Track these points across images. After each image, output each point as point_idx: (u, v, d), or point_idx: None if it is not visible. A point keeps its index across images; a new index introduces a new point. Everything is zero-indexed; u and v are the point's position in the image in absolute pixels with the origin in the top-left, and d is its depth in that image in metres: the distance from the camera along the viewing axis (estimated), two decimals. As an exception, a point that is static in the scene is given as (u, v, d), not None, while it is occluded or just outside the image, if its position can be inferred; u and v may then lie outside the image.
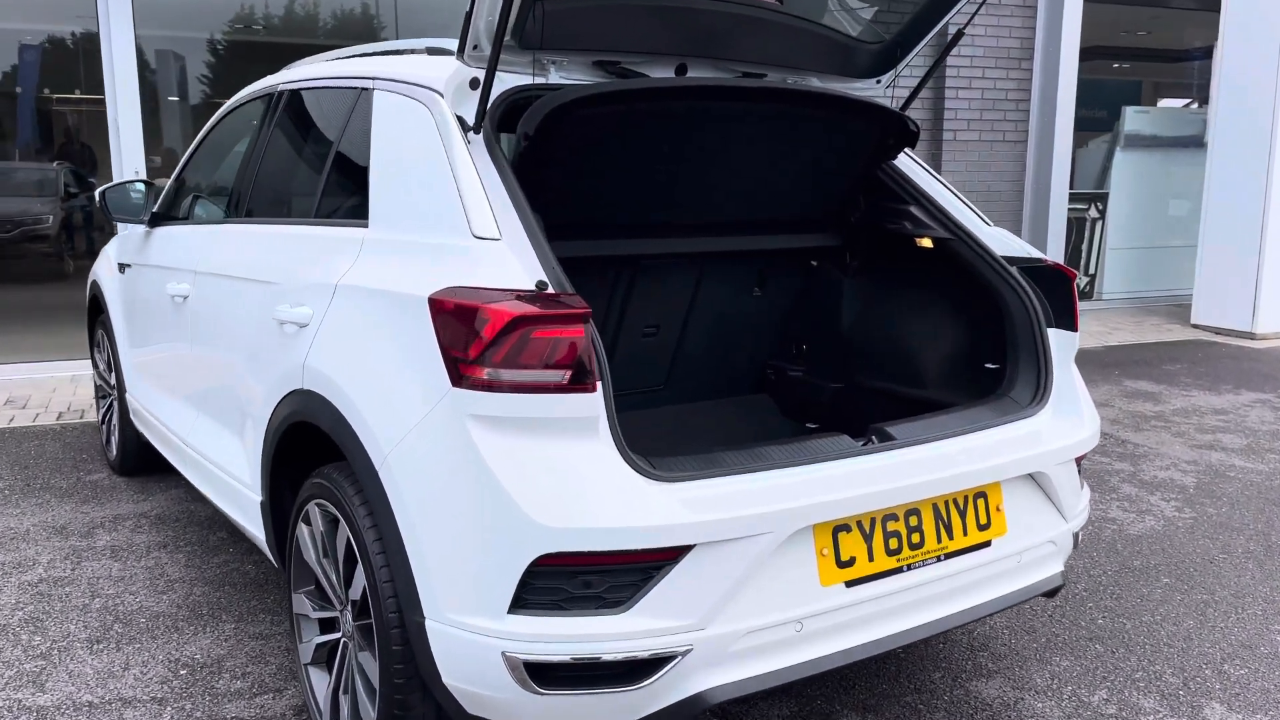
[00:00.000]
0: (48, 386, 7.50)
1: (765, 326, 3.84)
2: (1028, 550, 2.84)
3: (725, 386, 3.87)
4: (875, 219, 3.54)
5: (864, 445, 2.67)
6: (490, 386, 2.20)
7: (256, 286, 3.24)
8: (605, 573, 2.20)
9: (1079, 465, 3.05)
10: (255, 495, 3.23)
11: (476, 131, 2.63)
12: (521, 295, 2.26)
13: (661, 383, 3.70)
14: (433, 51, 3.10)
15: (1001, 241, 3.32)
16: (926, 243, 3.44)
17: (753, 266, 3.65)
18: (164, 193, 4.66)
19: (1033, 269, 3.22)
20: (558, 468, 2.20)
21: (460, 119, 2.65)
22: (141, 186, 4.58)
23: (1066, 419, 3.04)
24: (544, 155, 2.78)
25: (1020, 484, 2.84)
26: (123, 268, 4.89)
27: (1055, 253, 10.11)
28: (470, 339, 2.23)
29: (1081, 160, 11.11)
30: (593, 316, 2.34)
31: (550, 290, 2.31)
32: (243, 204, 3.74)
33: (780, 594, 2.36)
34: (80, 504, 5.08)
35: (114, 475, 5.51)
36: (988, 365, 3.29)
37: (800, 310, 3.87)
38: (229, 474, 3.46)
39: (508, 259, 2.34)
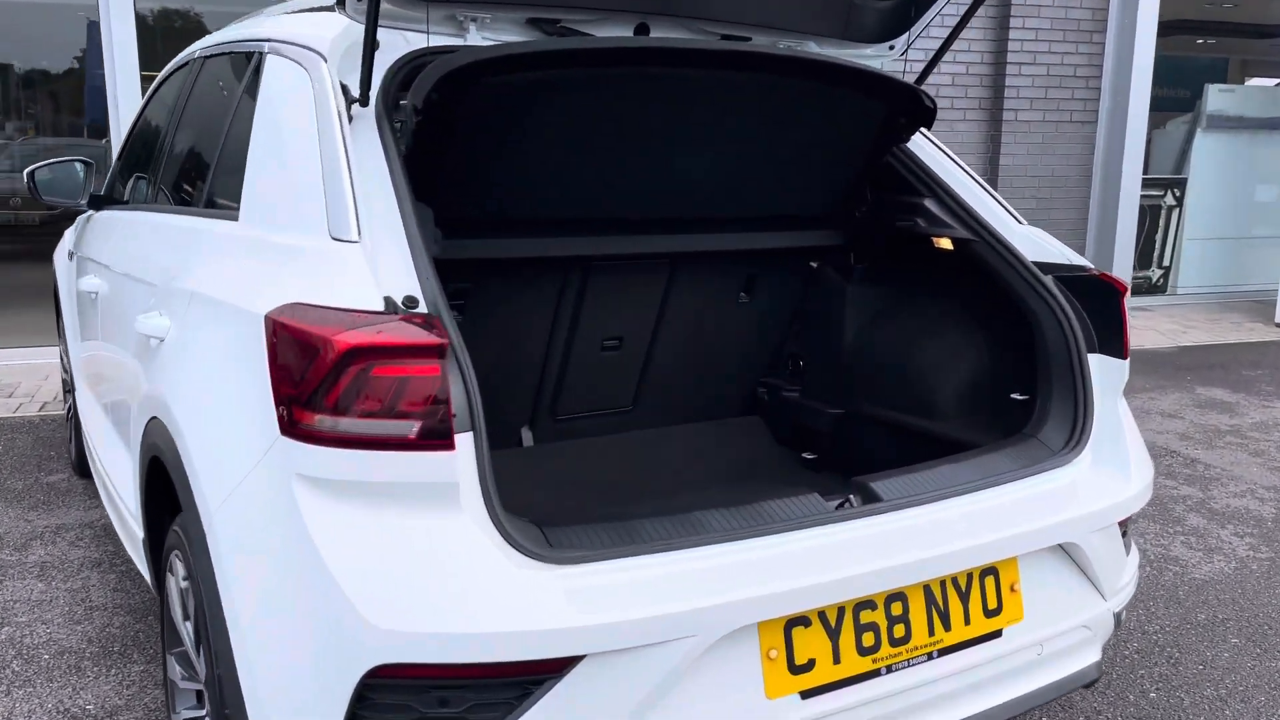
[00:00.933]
0: (42, 373, 7.18)
1: (755, 339, 3.27)
2: (1053, 639, 2.25)
3: (708, 408, 3.30)
4: (883, 214, 2.94)
5: (839, 508, 2.10)
6: (321, 438, 1.68)
7: (140, 288, 2.76)
8: (468, 689, 1.67)
9: (1124, 526, 2.44)
10: (138, 529, 2.76)
11: (363, 104, 2.10)
12: (372, 317, 1.72)
13: (629, 404, 3.15)
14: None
15: (1035, 244, 2.70)
16: (945, 244, 2.84)
17: (737, 269, 3.07)
18: (110, 172, 4.23)
19: (1073, 279, 2.61)
20: (403, 550, 1.67)
21: (346, 88, 2.12)
22: (80, 166, 4.13)
23: (1109, 470, 2.43)
24: (449, 135, 2.24)
25: (1044, 555, 2.24)
26: (71, 255, 4.47)
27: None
28: (302, 374, 1.71)
29: (1158, 143, 10.24)
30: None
31: (418, 311, 1.77)
32: (151, 188, 3.27)
33: (710, 711, 1.80)
34: (28, 509, 4.69)
35: (74, 477, 5.12)
36: (1014, 396, 2.68)
37: (796, 321, 3.29)
38: (121, 499, 3.00)
39: (361, 268, 1.81)
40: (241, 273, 2.12)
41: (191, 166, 2.98)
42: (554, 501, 2.87)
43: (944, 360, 2.89)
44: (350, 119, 2.12)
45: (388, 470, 1.67)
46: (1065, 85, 9.01)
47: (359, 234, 1.89)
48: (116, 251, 3.26)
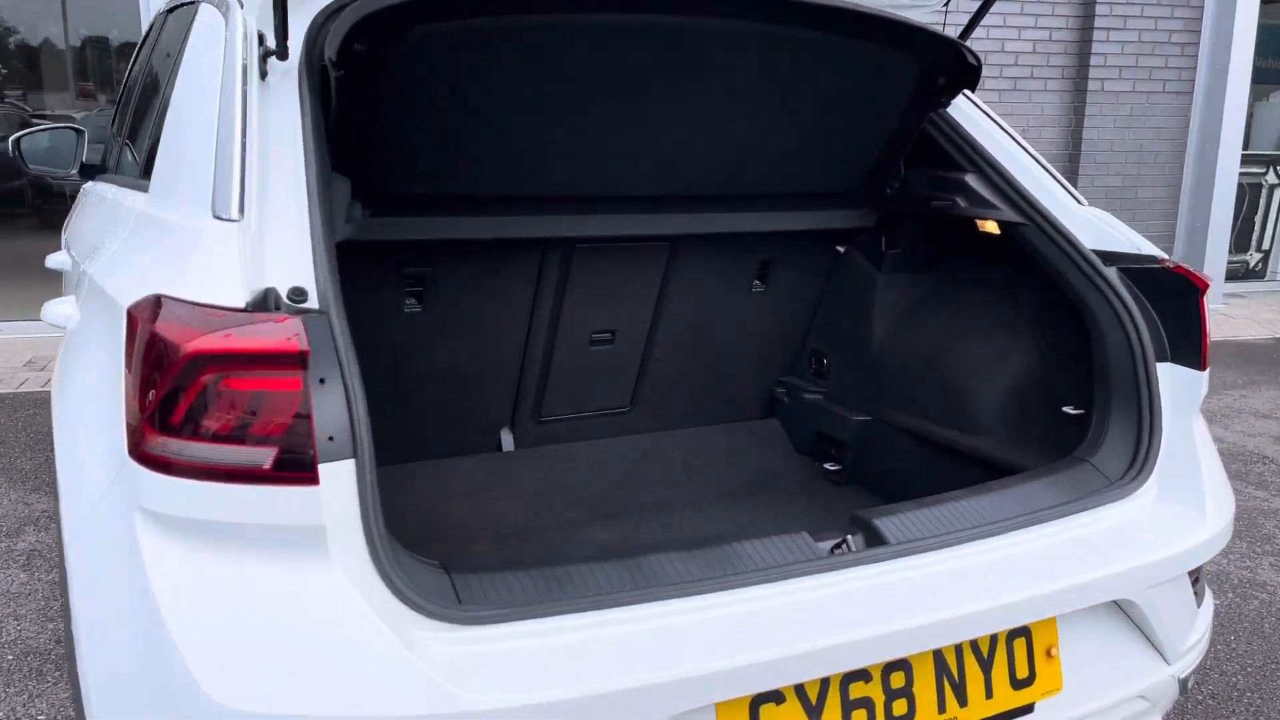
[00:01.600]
0: (77, 346, 7.08)
1: (772, 333, 2.87)
2: (1099, 714, 1.84)
3: (718, 410, 2.93)
4: (920, 192, 2.52)
5: (834, 550, 1.72)
6: (167, 465, 1.36)
7: (74, 270, 2.48)
8: (337, 782, 1.33)
9: (1196, 574, 2.01)
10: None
11: (280, 57, 1.77)
12: (229, 316, 1.39)
13: (625, 405, 2.79)
14: None
15: (1098, 229, 2.27)
16: (990, 227, 2.41)
17: (749, 254, 2.68)
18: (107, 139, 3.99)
19: (1143, 272, 2.17)
20: (260, 611, 1.34)
21: (264, 39, 1.80)
22: (72, 134, 3.88)
23: (1179, 505, 2.01)
24: (381, 94, 1.89)
25: (1092, 612, 1.83)
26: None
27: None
28: (151, 384, 1.38)
29: (1259, 116, 9.46)
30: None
31: (305, 306, 1.45)
32: (116, 155, 3.01)
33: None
34: (30, 491, 4.52)
35: (83, 458, 4.93)
36: (1067, 410, 2.26)
37: (820, 313, 2.88)
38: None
39: (231, 253, 1.48)
40: (128, 254, 1.81)
41: (140, 131, 2.70)
42: (528, 516, 2.54)
43: (986, 365, 2.47)
44: (264, 74, 1.80)
45: (238, 509, 1.34)
46: (1158, 52, 8.32)
47: (240, 211, 1.55)
48: (76, 227, 3.01)
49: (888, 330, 2.70)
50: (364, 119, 1.93)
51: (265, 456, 1.33)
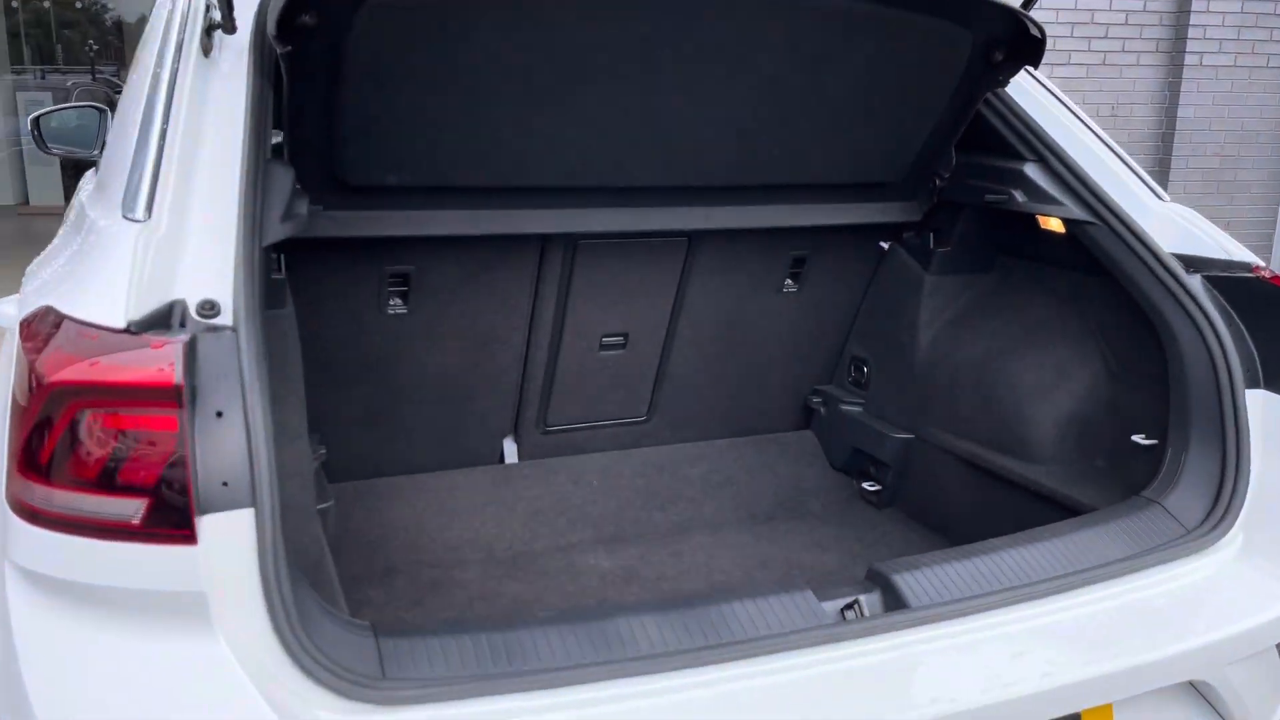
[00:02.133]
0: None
1: (807, 337, 2.59)
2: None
3: (746, 421, 2.66)
4: (972, 183, 2.22)
5: (843, 614, 1.47)
6: (36, 515, 1.15)
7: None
8: None
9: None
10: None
11: (227, 30, 1.56)
12: (106, 338, 1.18)
13: (642, 414, 2.53)
14: None
15: (1181, 229, 1.95)
16: (1053, 225, 2.10)
17: (779, 250, 2.40)
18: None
19: (1232, 281, 1.86)
20: (130, 689, 1.13)
21: (211, 10, 1.59)
22: (94, 111, 3.75)
23: (1268, 561, 1.71)
24: (339, 73, 1.66)
25: (1157, 696, 1.54)
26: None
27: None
28: (23, 416, 1.18)
29: (1374, 92, 8.77)
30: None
31: (216, 322, 1.24)
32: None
33: None
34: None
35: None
36: (1137, 440, 1.96)
37: (861, 315, 2.59)
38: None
39: (123, 261, 1.27)
40: (55, 255, 1.62)
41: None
42: (525, 537, 2.31)
43: (1045, 383, 2.16)
44: (208, 51, 1.59)
45: (108, 570, 1.13)
46: (1262, 24, 7.72)
47: (148, 211, 1.34)
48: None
49: (935, 338, 2.40)
50: (321, 102, 1.71)
51: (135, 509, 1.12)
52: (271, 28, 1.51)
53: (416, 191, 1.92)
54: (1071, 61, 7.26)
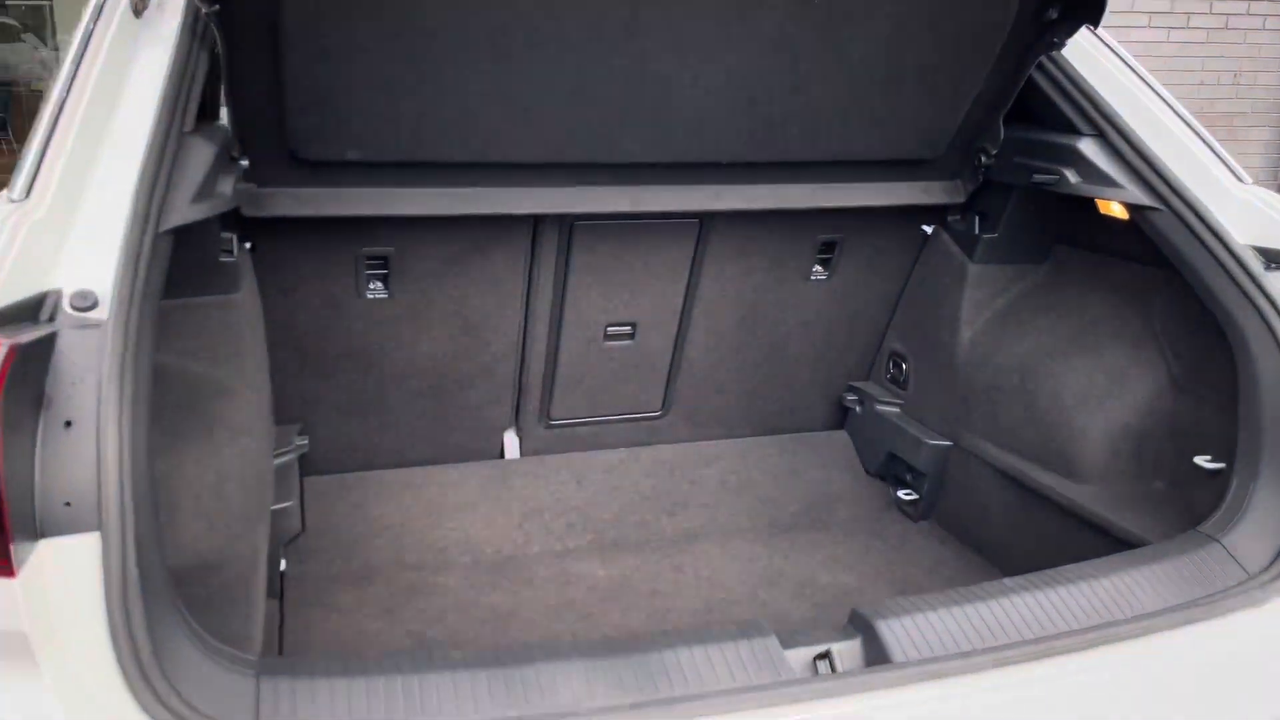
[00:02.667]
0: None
1: (841, 329, 2.35)
2: None
3: (774, 418, 2.43)
4: (1020, 161, 1.95)
5: (815, 666, 1.26)
6: None
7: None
8: None
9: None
10: None
11: None
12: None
13: (656, 409, 2.33)
14: None
15: (1263, 220, 1.66)
16: (1115, 210, 1.83)
17: (803, 234, 2.16)
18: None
19: None
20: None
21: None
22: None
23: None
24: (285, 36, 1.50)
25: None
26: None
27: None
28: None
29: None
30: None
31: (92, 315, 1.10)
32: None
33: None
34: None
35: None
36: (1200, 462, 1.69)
37: (902, 306, 2.34)
38: None
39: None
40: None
41: None
42: (517, 539, 2.14)
43: (1097, 391, 1.89)
44: (139, 10, 1.44)
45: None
46: None
47: (27, 191, 1.21)
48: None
49: (977, 334, 2.13)
50: (264, 69, 1.54)
51: (-56, 534, 0.97)
52: None
53: (383, 168, 1.75)
54: (1190, 25, 6.72)
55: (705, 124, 1.82)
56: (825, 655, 1.28)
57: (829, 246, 2.20)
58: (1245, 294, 1.57)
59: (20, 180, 1.23)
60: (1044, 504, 1.92)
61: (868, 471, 2.41)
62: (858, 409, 2.43)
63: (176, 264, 1.66)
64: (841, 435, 2.48)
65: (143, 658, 1.04)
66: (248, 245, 1.84)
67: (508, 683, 1.17)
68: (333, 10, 1.49)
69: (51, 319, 1.12)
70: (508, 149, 1.77)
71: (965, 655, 1.27)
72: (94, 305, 1.14)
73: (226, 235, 1.70)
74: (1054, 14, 1.77)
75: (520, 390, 2.21)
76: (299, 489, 2.11)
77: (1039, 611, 1.36)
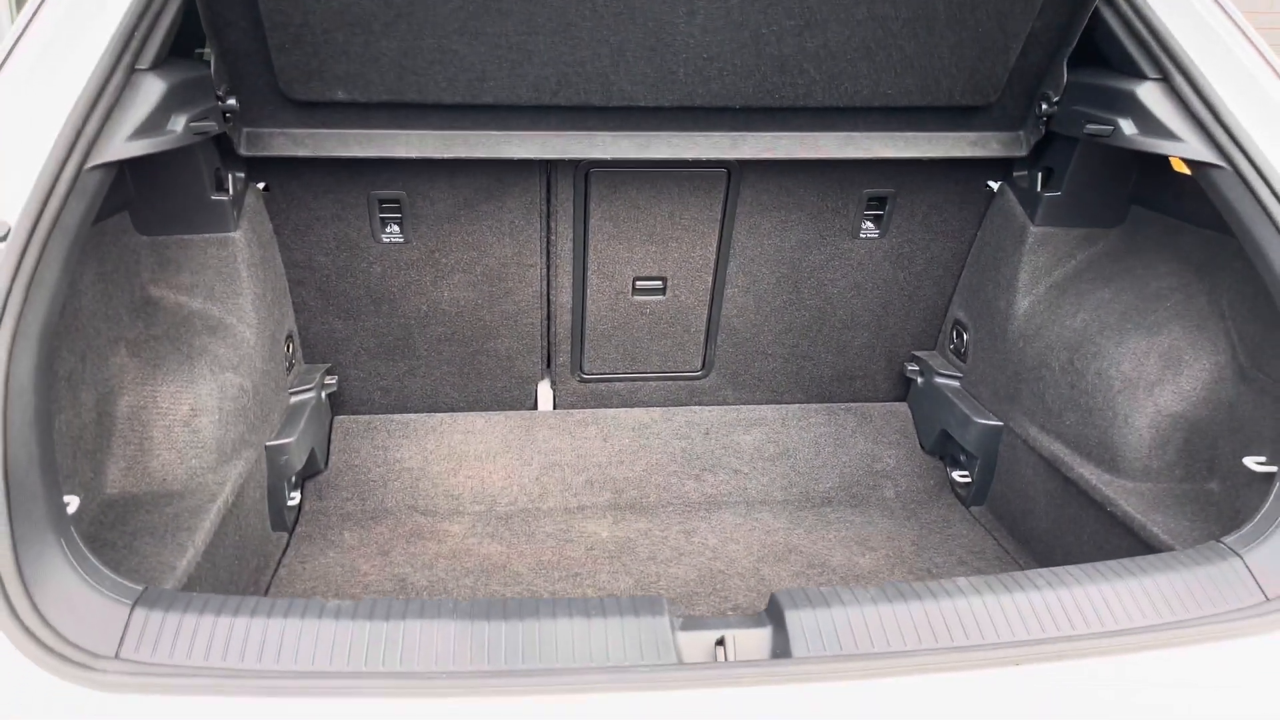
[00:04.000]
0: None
1: (899, 294, 2.17)
2: None
3: (829, 386, 2.28)
4: (1079, 109, 1.72)
5: (713, 654, 1.18)
6: None
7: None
8: None
9: None
10: None
11: None
12: None
13: (697, 368, 2.23)
14: None
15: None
16: (1179, 165, 1.58)
17: (847, 187, 2.00)
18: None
19: None
20: None
21: None
22: None
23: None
24: None
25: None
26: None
27: None
28: None
29: None
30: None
31: None
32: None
33: None
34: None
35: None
36: (1250, 463, 1.46)
37: (966, 270, 2.13)
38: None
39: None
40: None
41: None
42: (533, 494, 2.09)
43: (1146, 374, 1.66)
44: None
45: None
46: None
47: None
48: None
49: (1034, 305, 1.91)
50: (245, 7, 1.54)
51: None
52: None
53: (376, 109, 1.72)
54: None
55: (709, 65, 1.70)
56: (719, 643, 1.18)
57: (879, 202, 2.03)
58: None
59: (-43, 110, 1.28)
60: (1083, 499, 1.71)
61: (923, 449, 2.23)
62: (919, 380, 2.24)
63: (161, 199, 1.71)
64: (902, 408, 2.30)
65: (6, 582, 1.07)
66: (261, 185, 1.87)
67: (371, 637, 1.14)
68: None
69: None
70: (497, 91, 1.71)
71: (873, 657, 1.14)
72: (6, 236, 1.17)
73: (223, 174, 1.73)
74: None
75: (550, 342, 2.16)
76: (327, 427, 2.15)
77: (985, 617, 1.20)
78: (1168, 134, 1.53)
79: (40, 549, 1.12)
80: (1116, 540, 1.62)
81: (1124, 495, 1.62)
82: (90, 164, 1.29)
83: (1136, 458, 1.64)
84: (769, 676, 1.12)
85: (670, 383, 2.25)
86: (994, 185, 2.01)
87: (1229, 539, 1.33)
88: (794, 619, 1.18)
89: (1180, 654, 1.19)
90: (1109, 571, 1.28)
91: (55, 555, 1.14)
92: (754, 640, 1.19)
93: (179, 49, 1.52)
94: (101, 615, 1.13)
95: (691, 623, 1.20)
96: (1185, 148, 1.51)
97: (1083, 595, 1.23)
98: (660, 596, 1.21)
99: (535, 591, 1.78)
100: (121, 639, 1.12)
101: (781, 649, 1.17)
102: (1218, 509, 1.54)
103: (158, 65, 1.43)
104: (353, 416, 2.19)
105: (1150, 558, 1.34)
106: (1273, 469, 1.42)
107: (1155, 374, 1.64)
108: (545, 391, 2.25)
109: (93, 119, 1.30)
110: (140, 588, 1.19)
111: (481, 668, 1.12)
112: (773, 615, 1.21)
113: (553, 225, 1.98)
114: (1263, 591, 1.25)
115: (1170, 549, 1.46)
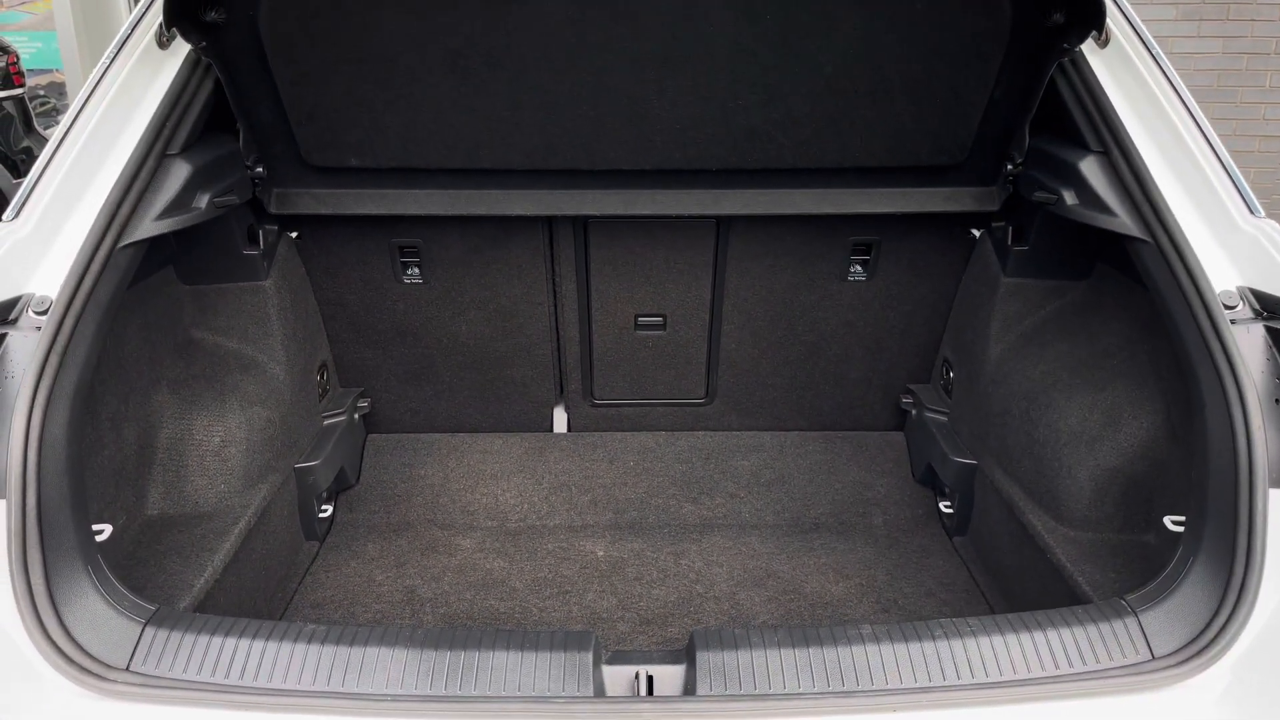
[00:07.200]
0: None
1: (890, 332, 2.28)
2: None
3: (829, 415, 2.40)
4: (1033, 174, 1.82)
5: (642, 684, 1.35)
6: None
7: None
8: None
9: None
10: None
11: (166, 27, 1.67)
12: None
13: (701, 396, 2.38)
14: None
15: (1265, 260, 1.48)
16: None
17: (833, 236, 2.12)
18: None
19: None
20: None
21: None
22: None
23: (1264, 715, 1.30)
24: (271, 59, 1.69)
25: None
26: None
27: None
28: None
29: None
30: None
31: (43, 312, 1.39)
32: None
33: None
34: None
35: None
36: (1169, 522, 1.55)
37: (953, 312, 2.23)
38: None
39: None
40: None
41: None
42: (541, 512, 2.28)
43: (1089, 429, 1.74)
44: (165, 43, 1.67)
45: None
46: None
47: (18, 211, 1.49)
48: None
49: (1005, 352, 2.01)
50: (264, 91, 1.75)
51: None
52: (165, 23, 1.57)
53: (385, 172, 1.92)
54: None
55: (684, 134, 1.84)
56: (637, 677, 1.34)
57: (865, 247, 2.14)
58: (1204, 343, 1.40)
59: (14, 203, 1.51)
60: (1032, 544, 1.81)
61: (915, 478, 2.33)
62: (912, 412, 2.35)
63: (199, 254, 1.94)
64: (898, 437, 2.41)
65: (38, 601, 1.29)
66: (294, 234, 2.10)
67: (335, 661, 1.33)
68: (303, 40, 1.66)
69: (15, 322, 1.39)
70: (493, 157, 1.88)
71: (768, 698, 1.28)
72: (46, 310, 1.40)
73: (255, 229, 1.95)
74: (1059, 18, 1.62)
75: (561, 371, 2.34)
76: (360, 445, 2.37)
77: (879, 664, 1.33)
78: (1103, 208, 1.61)
79: (70, 573, 1.34)
80: (1056, 587, 1.71)
81: (1062, 544, 1.71)
82: (123, 243, 1.51)
83: (1078, 507, 1.73)
84: (672, 713, 1.27)
85: (677, 408, 2.41)
86: (976, 233, 2.10)
87: (1130, 597, 1.43)
88: (703, 659, 1.33)
89: (1055, 708, 1.30)
90: (1007, 624, 1.39)
91: (82, 579, 1.36)
92: (670, 677, 1.35)
93: (212, 125, 1.74)
94: (117, 632, 1.35)
95: (619, 657, 1.36)
96: (1117, 222, 1.59)
97: (973, 646, 1.35)
98: (590, 631, 1.38)
99: (527, 608, 1.97)
100: (133, 653, 1.33)
101: (691, 686, 1.33)
102: (1148, 562, 1.62)
103: (187, 149, 1.64)
104: (385, 435, 2.41)
105: (1055, 611, 1.45)
106: (1181, 525, 1.51)
107: (1097, 430, 1.73)
108: (560, 415, 2.43)
109: (126, 202, 1.52)
110: (153, 607, 1.41)
111: (425, 692, 1.30)
112: (689, 654, 1.36)
113: (556, 269, 2.16)
114: (1150, 650, 1.35)
115: (1089, 600, 1.56)
